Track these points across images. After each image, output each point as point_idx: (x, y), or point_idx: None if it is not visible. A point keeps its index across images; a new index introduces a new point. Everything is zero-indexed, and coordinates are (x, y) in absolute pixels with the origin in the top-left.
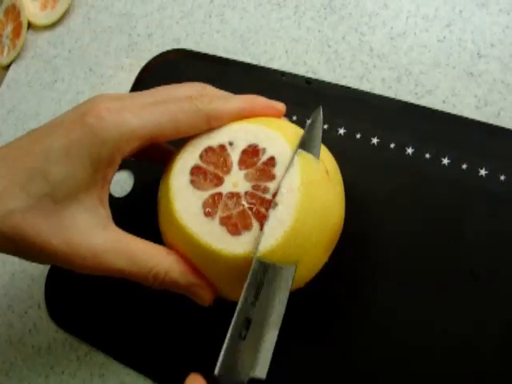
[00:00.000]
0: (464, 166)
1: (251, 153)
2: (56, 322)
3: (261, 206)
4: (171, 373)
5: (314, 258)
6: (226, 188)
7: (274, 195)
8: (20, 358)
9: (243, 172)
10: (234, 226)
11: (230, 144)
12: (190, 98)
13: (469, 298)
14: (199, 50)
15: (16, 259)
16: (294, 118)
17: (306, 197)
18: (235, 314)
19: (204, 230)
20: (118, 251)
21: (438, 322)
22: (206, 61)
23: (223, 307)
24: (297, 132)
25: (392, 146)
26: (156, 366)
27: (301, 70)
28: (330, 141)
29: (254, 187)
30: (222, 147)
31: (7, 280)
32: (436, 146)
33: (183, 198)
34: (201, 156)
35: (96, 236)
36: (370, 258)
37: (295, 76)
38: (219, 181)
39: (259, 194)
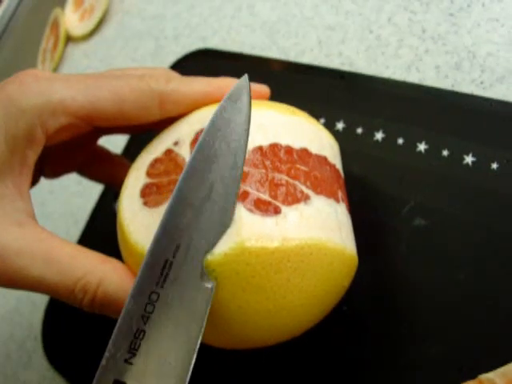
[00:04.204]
0: None
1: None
2: (48, 358)
3: None
4: None
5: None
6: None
7: None
8: None
9: None
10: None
11: (176, 144)
12: (144, 75)
13: None
14: (225, 48)
15: None
16: (322, 120)
17: None
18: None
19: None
20: (34, 253)
21: None
22: (229, 59)
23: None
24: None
25: (445, 153)
26: None
27: (335, 63)
28: (365, 148)
29: None
30: (169, 152)
31: (13, 305)
32: (507, 153)
33: (138, 221)
34: (148, 173)
35: (7, 233)
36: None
37: (326, 70)
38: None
39: None
